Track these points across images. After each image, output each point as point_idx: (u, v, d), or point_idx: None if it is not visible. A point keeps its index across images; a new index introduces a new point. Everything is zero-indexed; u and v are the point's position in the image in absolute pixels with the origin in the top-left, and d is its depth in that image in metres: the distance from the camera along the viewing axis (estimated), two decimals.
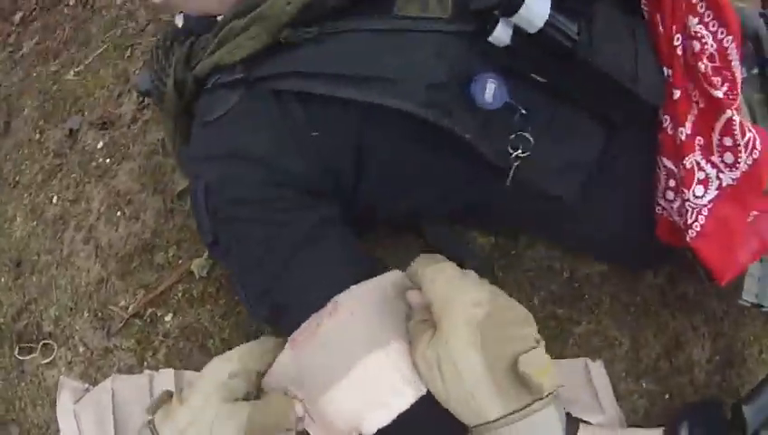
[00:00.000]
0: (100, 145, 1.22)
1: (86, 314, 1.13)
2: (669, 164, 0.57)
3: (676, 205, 0.58)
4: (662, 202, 0.61)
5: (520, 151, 0.56)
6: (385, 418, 0.54)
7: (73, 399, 1.02)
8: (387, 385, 0.54)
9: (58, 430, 1.05)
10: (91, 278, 1.14)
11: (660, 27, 0.55)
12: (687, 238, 0.56)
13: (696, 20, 0.52)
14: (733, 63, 0.52)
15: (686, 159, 0.54)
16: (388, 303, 0.59)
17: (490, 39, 0.52)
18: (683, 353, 0.91)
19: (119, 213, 1.16)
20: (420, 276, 0.57)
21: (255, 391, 0.64)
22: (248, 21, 0.61)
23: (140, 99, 1.25)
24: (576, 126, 0.59)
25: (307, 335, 0.58)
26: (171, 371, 1.02)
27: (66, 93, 1.32)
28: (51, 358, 1.11)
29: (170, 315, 1.08)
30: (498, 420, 0.48)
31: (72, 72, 1.34)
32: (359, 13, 0.58)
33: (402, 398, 0.54)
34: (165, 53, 0.76)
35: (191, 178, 0.70)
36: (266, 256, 0.63)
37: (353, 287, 0.59)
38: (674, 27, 0.53)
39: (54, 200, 1.21)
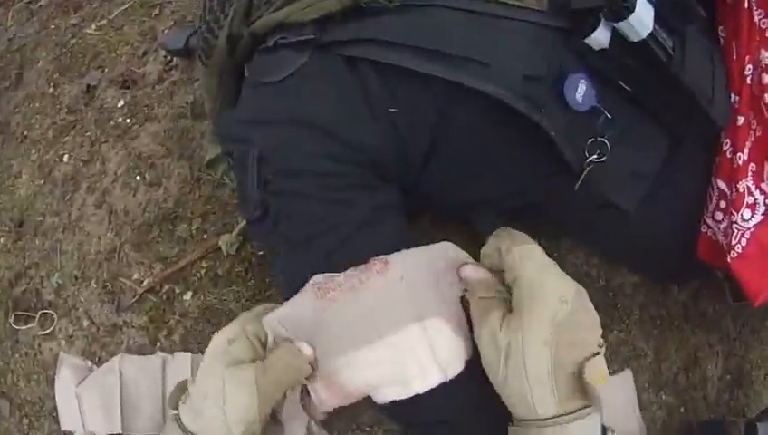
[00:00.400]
0: (120, 104, 1.11)
1: (93, 285, 1.02)
2: (723, 186, 0.60)
3: (723, 225, 0.60)
4: (709, 221, 0.63)
5: (596, 156, 0.55)
6: (402, 394, 0.54)
7: (75, 378, 0.91)
8: (415, 363, 0.53)
9: (54, 409, 0.94)
10: (102, 246, 1.03)
11: (734, 55, 0.57)
12: (728, 258, 0.58)
13: (765, 51, 0.54)
14: None
15: (740, 183, 0.57)
16: (438, 275, 0.56)
17: (587, 40, 0.51)
18: (699, 369, 0.93)
19: (138, 177, 1.06)
20: (506, 252, 0.53)
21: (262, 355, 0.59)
22: None
23: (167, 59, 1.15)
24: (646, 138, 0.59)
25: (345, 289, 0.54)
26: (189, 355, 0.91)
27: (85, 48, 1.20)
28: (50, 329, 0.99)
29: (190, 294, 0.97)
30: (549, 419, 0.48)
31: (93, 27, 1.22)
32: None
33: (425, 380, 0.53)
34: (220, 3, 0.67)
35: (236, 143, 0.62)
36: (319, 235, 0.58)
37: (406, 252, 0.56)
38: (747, 57, 0.55)
39: (66, 159, 1.09)
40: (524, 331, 0.48)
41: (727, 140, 0.58)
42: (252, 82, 0.64)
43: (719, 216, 0.61)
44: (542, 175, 0.61)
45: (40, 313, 1.00)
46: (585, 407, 0.49)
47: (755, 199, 0.57)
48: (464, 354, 0.55)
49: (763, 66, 0.54)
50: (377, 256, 0.57)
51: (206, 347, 0.87)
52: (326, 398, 0.58)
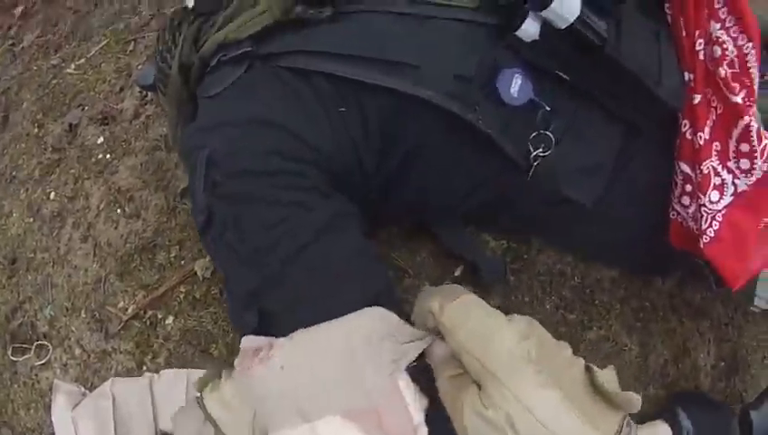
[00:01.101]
0: (100, 140, 1.16)
1: (83, 315, 1.07)
2: (687, 169, 0.56)
3: (691, 210, 0.56)
4: (677, 207, 0.59)
5: (541, 150, 0.53)
6: None
7: (69, 403, 0.96)
8: None
9: None
10: (88, 277, 1.08)
11: (683, 32, 0.53)
12: (701, 244, 0.54)
13: (719, 26, 0.51)
14: (751, 70, 0.51)
15: (704, 163, 0.53)
16: (354, 354, 0.47)
17: (518, 33, 0.49)
18: (689, 359, 0.90)
19: (119, 210, 1.11)
20: (439, 313, 0.48)
21: None
22: None
23: (143, 94, 1.20)
24: (595, 127, 0.56)
25: (240, 371, 0.48)
26: (172, 371, 0.96)
27: (66, 87, 1.25)
28: (45, 359, 1.05)
29: (171, 318, 1.02)
30: None
31: (72, 66, 1.28)
32: None
33: None
34: (172, 35, 0.67)
35: (192, 152, 0.57)
36: (270, 246, 0.52)
37: (299, 334, 0.48)
38: (696, 32, 0.52)
39: (52, 196, 1.14)
40: (514, 392, 0.43)
41: (686, 121, 0.55)
42: (204, 97, 0.62)
43: (686, 200, 0.58)
44: (491, 174, 0.59)
45: (36, 344, 1.05)
46: (623, 417, 0.44)
47: (723, 180, 0.54)
48: None
49: (715, 39, 0.51)
50: (336, 266, 0.52)
51: (189, 367, 0.96)
52: None
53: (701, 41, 0.52)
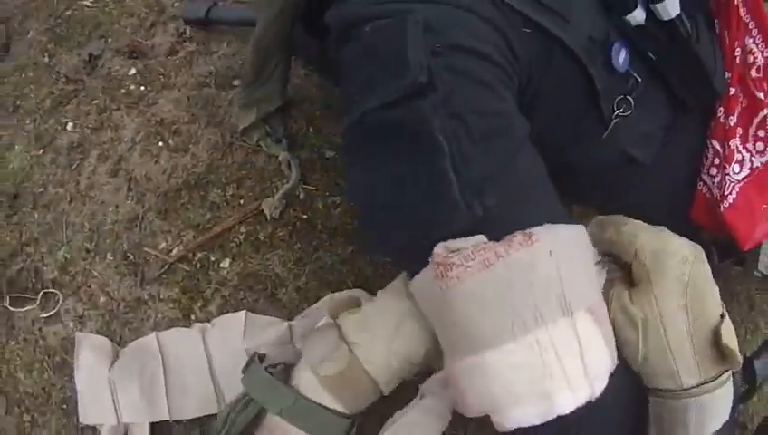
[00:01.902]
0: (132, 72, 1.00)
1: (110, 258, 0.87)
2: (717, 145, 0.68)
3: (717, 179, 0.68)
4: (705, 178, 0.70)
5: (621, 111, 0.59)
6: (534, 418, 0.42)
7: (100, 361, 0.74)
8: (559, 371, 0.41)
9: (64, 401, 0.77)
10: (120, 215, 0.89)
11: (727, 41, 0.68)
12: (721, 208, 0.65)
13: (751, 40, 0.67)
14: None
15: (731, 141, 0.66)
16: (587, 255, 0.47)
17: (628, 17, 0.57)
18: None
19: (160, 143, 0.94)
20: (616, 234, 0.50)
21: None
22: None
23: (179, 31, 1.05)
24: (657, 100, 0.64)
25: (475, 266, 0.41)
26: (226, 316, 0.78)
27: (84, 19, 1.07)
28: (54, 310, 0.82)
29: (228, 261, 0.85)
30: (693, 387, 0.45)
31: (89, 0, 1.14)
32: None
33: (569, 396, 0.41)
34: None
35: (383, 13, 0.49)
36: (499, 129, 0.46)
37: (555, 226, 0.44)
38: (736, 43, 0.67)
39: (69, 127, 0.95)
40: (658, 299, 0.46)
41: (721, 108, 0.67)
42: None
43: (714, 171, 0.69)
44: (583, 129, 0.62)
45: (41, 293, 0.84)
46: (724, 371, 0.46)
47: (743, 156, 0.67)
48: (610, 365, 0.45)
49: (749, 50, 0.67)
50: (540, 177, 0.49)
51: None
52: (458, 406, 0.49)
53: (739, 50, 0.67)
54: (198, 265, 0.84)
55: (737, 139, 0.66)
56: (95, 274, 0.85)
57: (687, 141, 0.69)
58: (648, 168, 0.66)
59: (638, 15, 0.57)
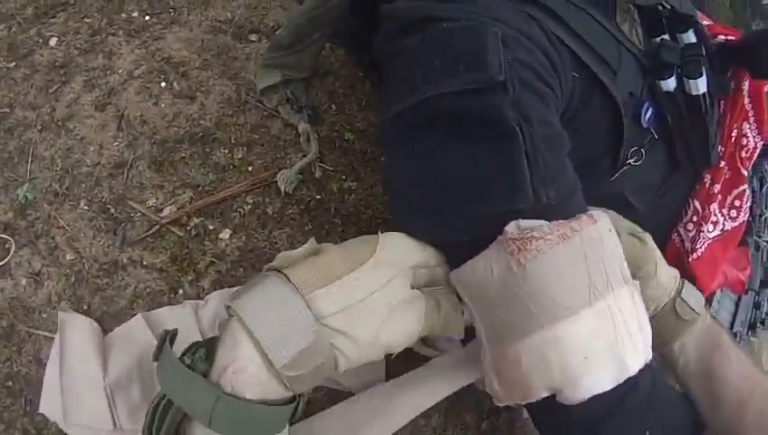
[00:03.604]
0: None
1: (83, 207, 0.69)
2: (698, 205, 0.75)
3: (691, 234, 0.75)
4: (681, 230, 0.76)
5: (633, 160, 0.64)
6: (607, 382, 0.42)
7: (89, 352, 0.58)
8: (627, 334, 0.43)
9: (10, 377, 0.60)
10: (103, 158, 0.72)
11: (727, 121, 0.74)
12: (690, 259, 0.73)
13: (748, 126, 0.74)
14: (754, 157, 0.75)
15: (711, 205, 0.74)
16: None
17: (661, 82, 0.63)
18: None
19: (163, 84, 0.77)
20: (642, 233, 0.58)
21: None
22: None
23: None
24: (660, 157, 0.69)
25: (554, 239, 0.43)
26: (218, 292, 0.65)
27: None
28: (2, 261, 0.65)
29: (228, 232, 0.71)
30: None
31: None
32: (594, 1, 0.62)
33: (637, 357, 0.43)
34: None
35: (464, 14, 0.51)
36: (554, 142, 0.49)
37: (604, 211, 0.50)
38: (735, 125, 0.74)
39: (53, 43, 0.76)
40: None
41: (709, 176, 0.74)
42: None
43: (690, 226, 0.76)
44: (596, 163, 0.65)
45: None
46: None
47: (717, 219, 0.75)
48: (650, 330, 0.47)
49: (743, 133, 0.74)
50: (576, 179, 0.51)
51: None
52: (501, 393, 0.46)
53: (735, 132, 0.73)
54: (193, 233, 0.69)
55: (716, 204, 0.75)
56: (62, 223, 0.67)
57: (674, 197, 0.75)
58: (638, 214, 0.69)
59: (670, 84, 0.63)
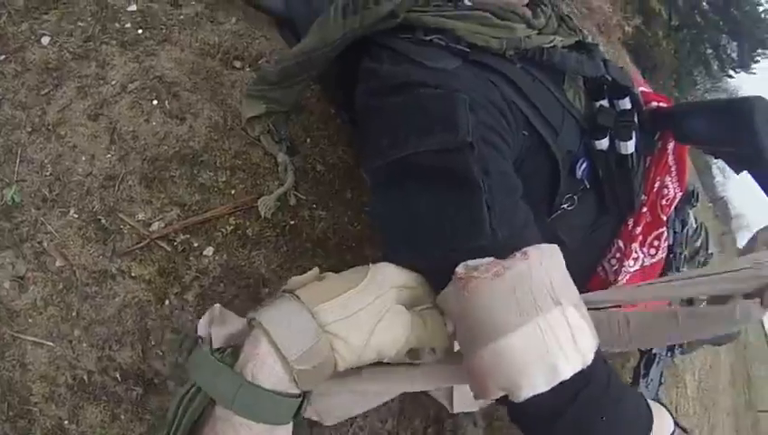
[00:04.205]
0: (131, 8, 0.83)
1: (73, 215, 0.70)
2: (621, 244, 0.86)
3: (614, 268, 0.86)
4: (605, 265, 0.88)
5: (566, 206, 0.74)
6: (543, 385, 0.50)
7: None
8: (557, 347, 0.51)
9: None
10: (95, 169, 0.73)
11: (651, 174, 0.85)
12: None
13: (669, 179, 0.86)
14: (673, 205, 0.87)
15: (633, 244, 0.85)
16: (564, 267, 0.58)
17: (596, 142, 0.73)
18: None
19: (155, 101, 0.79)
20: None
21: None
22: (501, 25, 0.67)
23: None
24: (590, 202, 0.79)
25: (489, 276, 0.52)
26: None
27: None
28: None
29: (211, 250, 0.77)
30: None
31: None
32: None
33: (567, 364, 0.51)
34: None
35: (437, 82, 0.61)
36: (510, 189, 0.60)
37: (542, 245, 0.57)
38: (658, 178, 0.85)
39: (46, 42, 0.74)
40: None
41: (632, 219, 0.84)
42: (416, 60, 0.64)
43: (614, 262, 0.86)
44: (535, 207, 0.69)
45: None
46: None
47: (638, 256, 0.85)
48: (594, 344, 0.54)
49: (665, 184, 0.85)
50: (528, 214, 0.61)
51: (229, 308, 0.75)
52: (475, 392, 0.55)
53: (658, 183, 0.84)
54: (179, 248, 0.75)
55: (637, 243, 0.85)
56: (50, 229, 0.68)
57: (601, 237, 0.85)
58: (569, 250, 0.77)
59: (603, 143, 0.74)
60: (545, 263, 0.54)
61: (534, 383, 0.50)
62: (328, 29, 0.72)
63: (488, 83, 0.64)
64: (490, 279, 0.51)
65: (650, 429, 0.59)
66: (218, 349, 0.50)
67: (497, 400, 0.54)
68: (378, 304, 0.53)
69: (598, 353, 0.54)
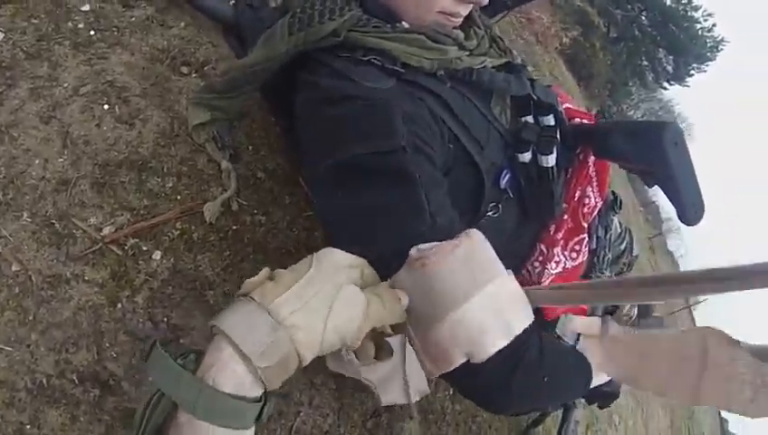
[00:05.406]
0: (85, 7, 0.82)
1: (27, 219, 0.73)
2: (543, 248, 0.93)
3: (537, 271, 0.93)
4: (529, 267, 0.94)
5: (491, 213, 0.81)
6: (502, 340, 0.57)
7: None
8: (508, 306, 0.58)
9: None
10: (48, 173, 0.75)
11: (572, 184, 0.92)
12: None
13: (590, 189, 0.93)
14: (594, 213, 0.94)
15: (555, 248, 0.92)
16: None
17: (519, 155, 0.81)
18: None
19: (106, 106, 0.81)
20: None
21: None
22: (434, 47, 0.74)
23: None
24: (513, 210, 0.86)
25: (442, 255, 0.58)
26: None
27: None
28: None
29: (159, 254, 0.83)
30: None
31: None
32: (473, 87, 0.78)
33: (519, 321, 0.58)
34: (342, 4, 0.74)
35: (373, 95, 0.68)
36: (440, 185, 0.68)
37: (476, 230, 0.63)
38: (579, 188, 0.92)
39: None
40: None
41: (553, 225, 0.91)
42: (354, 81, 0.70)
43: (536, 264, 0.92)
44: (462, 215, 0.74)
45: None
46: None
47: (560, 259, 0.91)
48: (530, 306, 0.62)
49: (586, 194, 0.91)
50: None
51: (177, 313, 0.83)
52: (431, 368, 0.60)
53: (579, 193, 0.91)
54: (130, 252, 0.80)
55: (559, 248, 0.91)
56: (4, 233, 0.71)
57: (523, 242, 0.92)
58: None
59: (526, 157, 0.81)
60: (485, 240, 0.61)
61: (495, 340, 0.57)
62: (274, 44, 0.76)
63: (418, 100, 0.70)
64: (444, 256, 0.57)
65: (590, 379, 0.71)
66: (182, 354, 0.50)
67: (444, 375, 0.60)
68: (329, 287, 0.54)
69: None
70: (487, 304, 0.57)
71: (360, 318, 0.54)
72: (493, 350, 0.56)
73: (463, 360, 0.57)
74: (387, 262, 0.59)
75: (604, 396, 0.92)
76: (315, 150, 0.70)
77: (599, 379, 0.74)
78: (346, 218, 0.66)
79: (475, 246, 0.59)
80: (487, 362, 0.56)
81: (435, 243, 0.59)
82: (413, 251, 0.59)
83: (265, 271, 0.55)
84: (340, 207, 0.66)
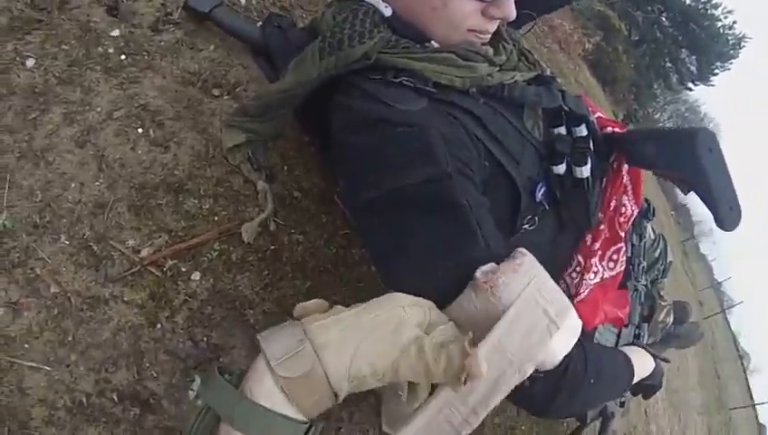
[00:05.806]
0: (114, 33, 0.83)
1: (64, 241, 0.71)
2: (581, 259, 0.91)
3: (575, 281, 0.91)
4: (567, 278, 0.92)
5: (527, 226, 0.80)
6: (568, 344, 0.62)
7: None
8: (562, 315, 0.61)
9: None
10: (84, 196, 0.73)
11: (608, 194, 0.90)
12: (575, 301, 0.88)
13: (626, 198, 0.92)
14: (630, 221, 0.92)
15: (592, 259, 0.90)
16: None
17: (553, 167, 0.80)
18: None
19: (140, 130, 0.81)
20: None
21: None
22: (464, 65, 0.73)
23: (168, 9, 0.93)
24: (550, 222, 0.84)
25: (509, 274, 0.60)
26: None
27: None
28: None
29: (198, 275, 0.80)
30: None
31: None
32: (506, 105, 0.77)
33: (576, 324, 0.63)
34: (371, 26, 0.73)
35: (410, 121, 0.66)
36: (480, 205, 0.66)
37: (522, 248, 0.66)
38: (614, 197, 0.90)
39: (30, 64, 0.73)
40: None
41: (590, 235, 0.89)
42: (386, 101, 0.68)
43: (574, 275, 0.90)
44: (499, 227, 0.73)
45: None
46: None
47: (598, 269, 0.90)
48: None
49: (622, 203, 0.90)
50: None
51: (216, 333, 0.80)
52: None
53: (614, 202, 0.90)
54: (168, 274, 0.78)
55: (596, 258, 0.89)
56: (42, 255, 0.69)
57: (560, 253, 0.90)
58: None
59: (561, 169, 0.79)
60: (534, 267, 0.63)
61: (565, 346, 0.61)
62: (305, 69, 0.75)
63: (452, 120, 0.69)
64: (511, 276, 0.60)
65: (632, 375, 0.76)
66: (229, 372, 0.52)
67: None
68: (373, 319, 0.54)
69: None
70: (538, 314, 0.60)
71: (390, 358, 0.54)
72: (561, 355, 0.61)
73: (532, 369, 0.59)
74: (444, 292, 0.61)
75: (646, 389, 0.98)
76: (355, 179, 0.69)
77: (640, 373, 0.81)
78: (402, 252, 0.64)
79: (534, 262, 0.63)
80: (538, 379, 0.60)
81: (492, 265, 0.61)
82: (478, 274, 0.60)
83: (320, 302, 0.57)
84: (393, 241, 0.65)
